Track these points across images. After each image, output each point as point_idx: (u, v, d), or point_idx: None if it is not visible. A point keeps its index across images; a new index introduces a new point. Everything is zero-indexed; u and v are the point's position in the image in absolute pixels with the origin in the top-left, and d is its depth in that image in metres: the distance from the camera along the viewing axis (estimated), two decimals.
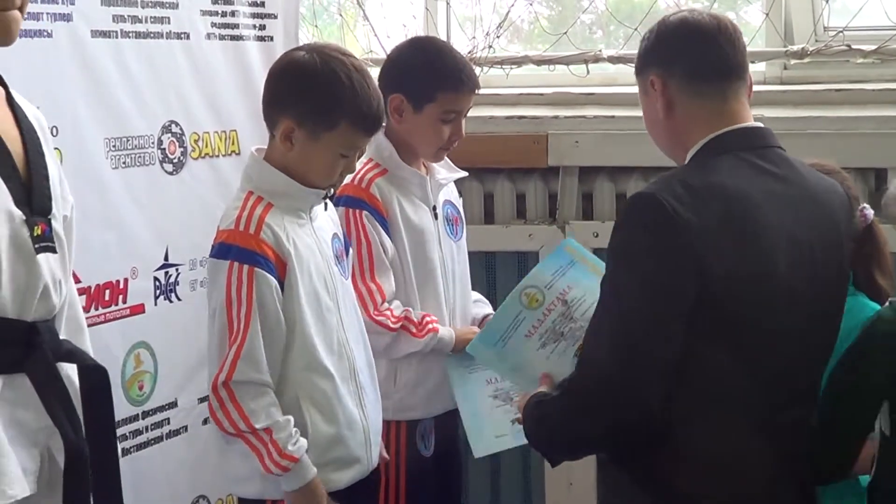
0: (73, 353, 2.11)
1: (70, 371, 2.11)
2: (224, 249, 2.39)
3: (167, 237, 2.94)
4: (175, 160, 2.97)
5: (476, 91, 2.88)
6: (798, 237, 2.17)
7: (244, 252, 2.36)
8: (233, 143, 3.15)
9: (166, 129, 2.94)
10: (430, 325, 2.84)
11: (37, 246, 2.00)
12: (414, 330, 2.81)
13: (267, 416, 2.35)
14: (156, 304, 2.91)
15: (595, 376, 2.11)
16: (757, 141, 2.23)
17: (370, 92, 2.44)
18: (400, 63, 2.92)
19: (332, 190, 2.57)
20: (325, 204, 2.57)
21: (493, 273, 3.76)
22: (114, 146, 2.77)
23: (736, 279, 2.09)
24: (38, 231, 2.00)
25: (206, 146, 3.07)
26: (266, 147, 2.54)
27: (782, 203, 2.17)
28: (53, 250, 2.04)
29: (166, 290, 2.95)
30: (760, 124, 2.27)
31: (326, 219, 2.58)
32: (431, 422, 2.96)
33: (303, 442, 2.38)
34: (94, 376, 2.11)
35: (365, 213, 2.80)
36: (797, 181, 2.22)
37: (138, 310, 2.85)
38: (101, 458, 2.10)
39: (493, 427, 2.88)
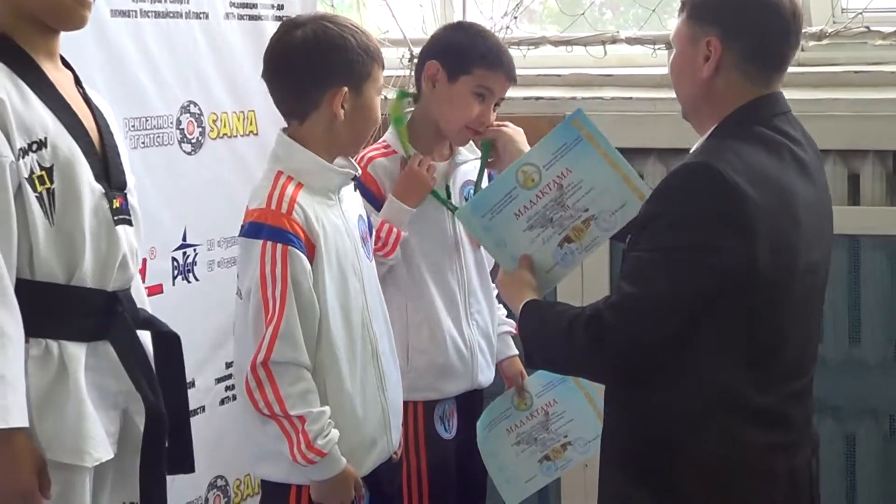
0: (151, 321, 2.25)
1: (144, 338, 2.23)
2: (255, 228, 2.37)
3: (185, 217, 2.94)
4: (193, 140, 2.97)
5: (512, 80, 2.86)
6: (818, 228, 2.22)
7: (276, 231, 2.34)
8: (251, 124, 3.14)
9: (185, 109, 2.94)
10: None
11: (115, 218, 2.13)
12: None
13: (303, 402, 2.33)
14: (174, 285, 2.92)
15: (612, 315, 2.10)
16: (779, 107, 2.25)
17: (362, 30, 2.51)
18: (442, 37, 2.94)
19: (360, 170, 2.57)
20: (354, 185, 2.57)
21: None
22: (133, 126, 2.77)
23: (773, 265, 2.10)
24: (116, 204, 2.14)
25: (225, 126, 3.07)
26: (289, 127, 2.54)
27: (809, 194, 2.20)
28: (130, 223, 2.18)
29: (184, 270, 2.95)
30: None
31: (353, 200, 2.58)
32: (452, 404, 2.95)
33: (333, 435, 2.36)
34: (169, 342, 2.26)
35: None
36: (811, 157, 2.26)
37: (156, 290, 2.85)
38: (175, 419, 2.23)
39: (521, 473, 2.97)
